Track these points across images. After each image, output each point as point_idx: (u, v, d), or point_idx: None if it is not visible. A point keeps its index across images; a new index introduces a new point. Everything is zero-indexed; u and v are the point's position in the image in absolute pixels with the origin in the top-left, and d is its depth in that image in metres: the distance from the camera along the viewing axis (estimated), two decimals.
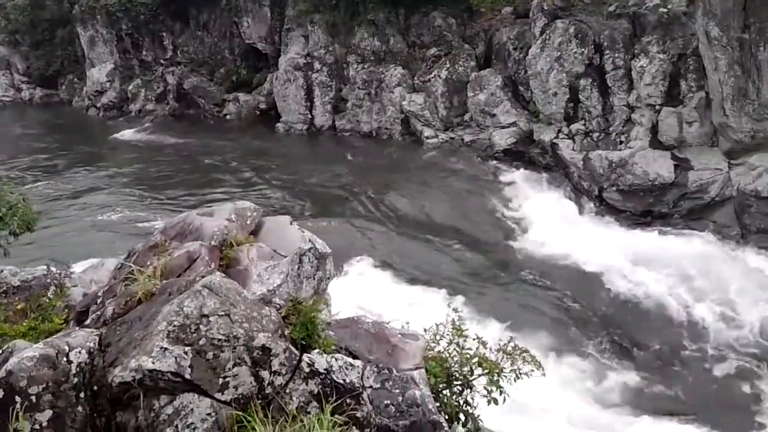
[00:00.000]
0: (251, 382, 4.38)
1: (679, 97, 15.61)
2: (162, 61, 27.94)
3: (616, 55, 16.37)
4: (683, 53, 15.38)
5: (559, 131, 17.48)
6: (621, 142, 16.25)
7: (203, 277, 4.72)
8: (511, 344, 6.43)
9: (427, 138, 19.95)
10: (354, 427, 4.50)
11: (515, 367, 6.20)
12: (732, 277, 12.59)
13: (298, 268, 5.75)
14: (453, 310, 6.51)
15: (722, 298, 12.26)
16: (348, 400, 4.61)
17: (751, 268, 12.88)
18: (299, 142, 22.17)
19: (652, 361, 11.32)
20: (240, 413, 4.27)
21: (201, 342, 4.29)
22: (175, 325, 4.30)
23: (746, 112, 14.29)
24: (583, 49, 16.84)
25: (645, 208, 15.15)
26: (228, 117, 25.69)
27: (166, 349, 4.20)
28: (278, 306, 5.07)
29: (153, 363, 4.14)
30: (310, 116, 22.72)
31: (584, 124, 17.06)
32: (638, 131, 16.05)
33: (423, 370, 5.30)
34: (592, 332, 11.85)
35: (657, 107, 15.81)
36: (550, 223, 15.04)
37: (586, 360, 11.20)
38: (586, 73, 16.92)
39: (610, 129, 16.66)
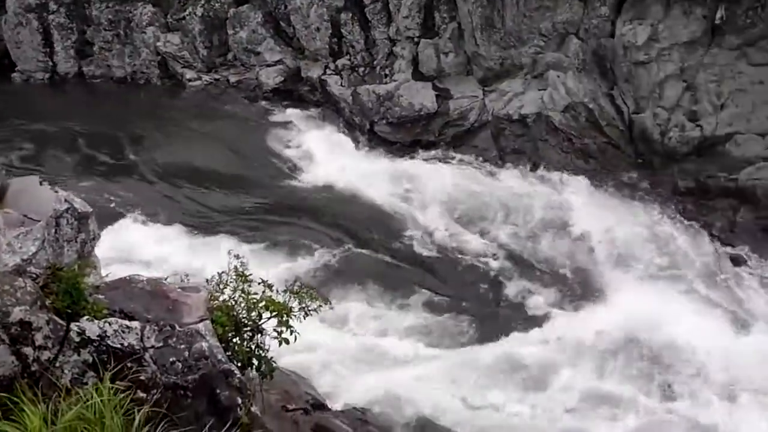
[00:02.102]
0: (12, 362, 4.01)
1: (435, 28, 16.47)
2: None
3: None
4: None
5: (326, 67, 17.69)
6: (386, 76, 16.87)
7: None
8: (297, 284, 6.56)
9: (190, 81, 19.07)
10: (138, 391, 4.33)
11: (303, 305, 6.35)
12: (492, 195, 13.93)
13: (56, 232, 5.27)
14: (235, 256, 6.44)
15: (482, 215, 13.56)
16: (129, 364, 4.41)
17: (507, 185, 14.28)
18: (42, 92, 19.94)
19: (433, 280, 12.23)
20: (3, 395, 3.91)
21: None
22: None
23: (494, 40, 15.53)
24: None
25: (414, 138, 16.02)
26: None
27: None
28: (35, 275, 4.63)
29: None
30: (51, 63, 20.50)
31: (350, 59, 17.42)
32: (401, 64, 16.76)
33: (208, 322, 5.22)
34: (373, 260, 12.49)
35: (416, 39, 16.58)
36: (327, 159, 15.38)
37: (368, 286, 11.79)
38: (346, 7, 17.17)
39: (375, 63, 17.20)
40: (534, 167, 14.82)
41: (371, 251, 12.79)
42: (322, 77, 17.47)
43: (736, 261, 12.83)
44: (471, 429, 9.19)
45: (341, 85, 17.17)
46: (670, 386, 9.97)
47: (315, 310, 6.42)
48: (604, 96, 14.78)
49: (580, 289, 12.03)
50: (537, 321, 11.28)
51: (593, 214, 13.40)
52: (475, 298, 11.90)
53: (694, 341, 10.37)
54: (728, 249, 12.98)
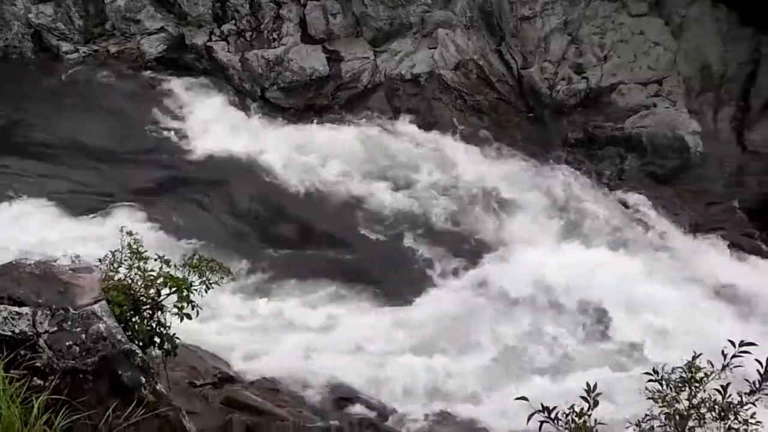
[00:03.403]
0: None
1: None
2: None
3: None
4: None
5: (212, 33, 17.21)
6: (274, 40, 16.62)
7: None
8: (196, 257, 6.50)
9: (67, 53, 18.07)
10: (35, 378, 4.23)
11: (204, 279, 6.31)
12: (389, 157, 14.12)
13: None
14: (127, 233, 6.30)
15: (380, 177, 13.75)
16: (22, 352, 4.28)
17: (403, 146, 14.48)
18: None
19: (336, 244, 12.36)
20: None
21: None
22: None
23: (382, 0, 15.60)
24: None
25: (307, 103, 15.92)
26: None
27: None
28: None
29: None
30: None
31: (235, 24, 17.02)
32: (288, 27, 16.54)
33: (104, 302, 5.11)
34: (272, 227, 12.49)
35: (302, 1, 16.41)
36: (218, 129, 15.05)
37: (269, 254, 11.81)
38: None
39: (262, 27, 16.89)
40: (429, 126, 15.08)
41: (270, 220, 12.77)
42: (208, 44, 17.00)
43: (625, 206, 13.63)
44: (381, 390, 9.43)
45: (228, 51, 16.78)
46: (583, 326, 10.56)
47: (216, 282, 6.40)
48: (493, 52, 15.20)
49: (477, 244, 12.46)
50: (437, 279, 11.65)
51: (488, 169, 13.86)
52: (378, 260, 12.16)
53: (593, 284, 11.00)
54: (618, 195, 13.75)
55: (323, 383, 9.34)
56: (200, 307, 6.19)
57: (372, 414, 8.96)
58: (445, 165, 13.98)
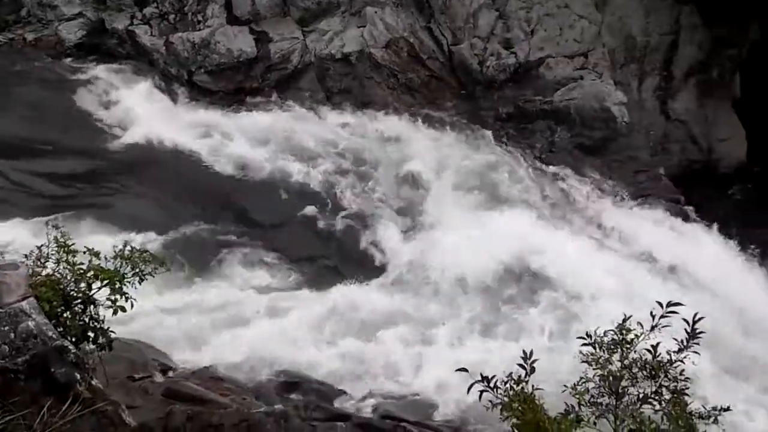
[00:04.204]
0: None
1: None
2: None
3: None
4: None
5: (133, 17, 16.73)
6: (199, 22, 16.26)
7: None
8: (128, 248, 6.34)
9: None
10: None
11: (137, 270, 6.18)
12: (322, 138, 14.06)
13: None
14: (53, 227, 6.11)
15: (314, 158, 13.68)
16: None
17: (336, 126, 14.45)
18: None
19: (269, 229, 12.28)
20: None
21: None
22: None
23: None
24: None
25: (236, 85, 15.67)
26: None
27: None
28: None
29: None
30: None
31: (157, 7, 16.59)
32: (213, 8, 16.21)
33: (32, 299, 4.96)
34: (203, 213, 12.31)
35: None
36: (145, 116, 14.66)
37: (206, 243, 11.66)
38: None
39: (185, 9, 16.50)
40: (362, 105, 15.08)
41: (202, 207, 12.56)
42: (130, 28, 16.52)
43: (557, 177, 13.96)
44: (327, 374, 9.46)
45: (152, 35, 16.35)
46: (513, 296, 10.76)
47: (150, 273, 6.27)
48: (422, 29, 15.26)
49: (411, 221, 12.52)
50: (377, 259, 11.70)
51: (422, 147, 13.96)
52: (311, 243, 12.13)
53: (524, 254, 11.23)
54: (549, 167, 14.06)
55: (266, 369, 9.29)
56: (135, 299, 6.06)
57: (317, 397, 8.97)
58: (379, 144, 14.01)
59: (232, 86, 15.65)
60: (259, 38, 15.82)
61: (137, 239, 11.20)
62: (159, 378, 8.02)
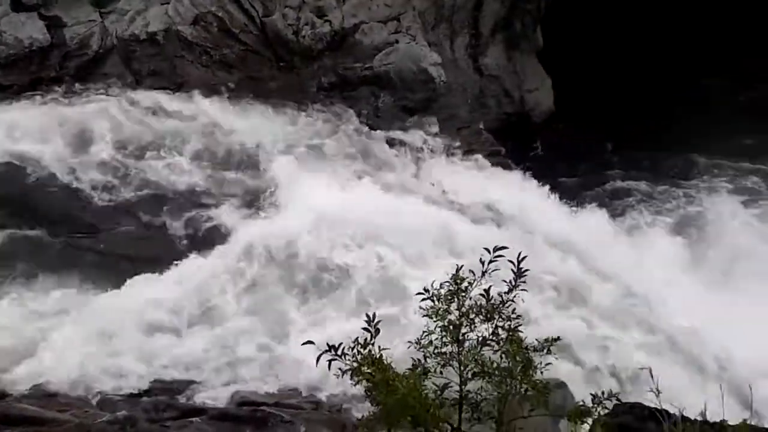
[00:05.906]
0: None
1: None
2: None
3: None
4: None
5: None
6: None
7: None
8: None
9: None
10: None
11: None
12: (130, 122, 13.21)
13: None
14: None
15: (129, 146, 12.85)
16: None
17: (146, 109, 13.66)
18: None
19: (78, 229, 11.69)
20: None
21: None
22: None
23: None
24: None
25: (32, 77, 14.44)
26: None
27: None
28: None
29: None
30: None
31: None
32: None
33: None
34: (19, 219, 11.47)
35: None
36: None
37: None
38: None
39: None
40: (176, 87, 14.48)
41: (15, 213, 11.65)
42: None
43: (385, 142, 14.27)
44: (169, 371, 9.21)
45: None
46: (356, 265, 10.86)
47: None
48: (231, 2, 14.94)
49: (241, 204, 12.22)
50: (221, 240, 11.41)
51: (244, 124, 13.67)
52: (131, 238, 11.69)
53: (360, 219, 11.38)
54: (378, 133, 14.32)
55: (105, 377, 8.89)
56: None
57: (165, 396, 8.73)
58: (196, 127, 13.44)
59: (26, 78, 14.32)
60: (51, 24, 14.67)
61: None
62: None
